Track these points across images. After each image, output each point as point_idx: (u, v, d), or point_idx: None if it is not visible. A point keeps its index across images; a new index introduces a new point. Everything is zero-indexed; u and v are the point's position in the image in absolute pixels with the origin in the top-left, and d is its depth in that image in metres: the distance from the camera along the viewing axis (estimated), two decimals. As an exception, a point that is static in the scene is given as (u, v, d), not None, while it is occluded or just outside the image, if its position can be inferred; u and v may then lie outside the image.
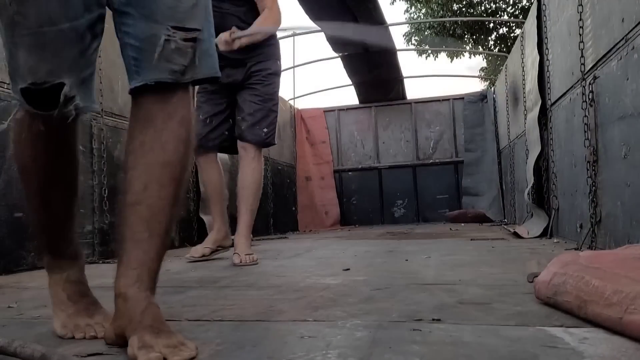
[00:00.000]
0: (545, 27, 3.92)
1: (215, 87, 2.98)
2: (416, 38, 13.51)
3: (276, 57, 3.03)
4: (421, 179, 8.16)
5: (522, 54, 4.86)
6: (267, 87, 2.92)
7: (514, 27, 13.05)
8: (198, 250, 2.91)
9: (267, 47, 2.97)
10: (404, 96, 8.39)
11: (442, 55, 13.92)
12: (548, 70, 3.85)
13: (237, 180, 2.93)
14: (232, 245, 2.99)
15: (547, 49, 3.90)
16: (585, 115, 2.78)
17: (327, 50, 7.53)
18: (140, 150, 1.06)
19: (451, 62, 16.19)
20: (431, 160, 8.17)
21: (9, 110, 2.62)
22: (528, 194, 4.38)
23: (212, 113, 2.99)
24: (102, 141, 3.32)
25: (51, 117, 1.05)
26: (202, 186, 3.09)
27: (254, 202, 2.84)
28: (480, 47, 13.62)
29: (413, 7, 13.97)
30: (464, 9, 13.26)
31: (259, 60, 2.92)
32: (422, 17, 13.70)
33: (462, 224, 6.77)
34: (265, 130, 2.88)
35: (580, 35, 2.85)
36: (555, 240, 3.53)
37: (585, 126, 2.79)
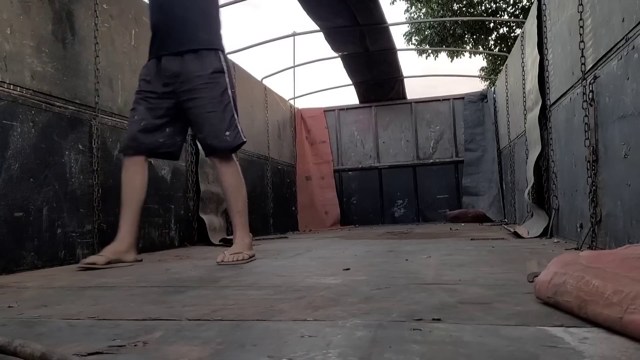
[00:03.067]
0: (546, 27, 3.92)
1: (154, 89, 2.82)
2: (416, 38, 13.50)
3: (216, 46, 2.82)
4: (421, 178, 8.16)
5: (523, 53, 4.86)
6: (213, 90, 2.75)
7: (514, 27, 13.05)
8: (92, 258, 2.62)
9: (205, 33, 2.80)
10: (404, 96, 8.40)
11: (442, 55, 13.92)
12: (548, 70, 3.85)
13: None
14: (134, 261, 2.83)
15: (547, 48, 3.90)
16: (586, 115, 2.78)
17: (327, 49, 7.52)
18: None
19: (451, 62, 16.19)
20: (431, 160, 8.18)
21: (9, 109, 2.63)
22: (528, 193, 4.39)
23: (149, 118, 2.83)
24: (101, 141, 3.32)
25: None
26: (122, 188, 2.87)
27: (236, 203, 2.84)
28: (480, 47, 13.61)
29: (413, 7, 13.96)
30: (464, 9, 13.26)
31: (198, 56, 2.75)
32: (422, 17, 13.69)
33: (462, 224, 6.77)
34: (227, 134, 2.78)
35: (580, 35, 2.85)
36: (555, 240, 3.52)
37: (586, 126, 2.79)
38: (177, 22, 2.77)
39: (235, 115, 2.84)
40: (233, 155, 2.90)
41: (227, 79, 2.82)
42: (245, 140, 2.89)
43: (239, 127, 2.85)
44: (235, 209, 2.85)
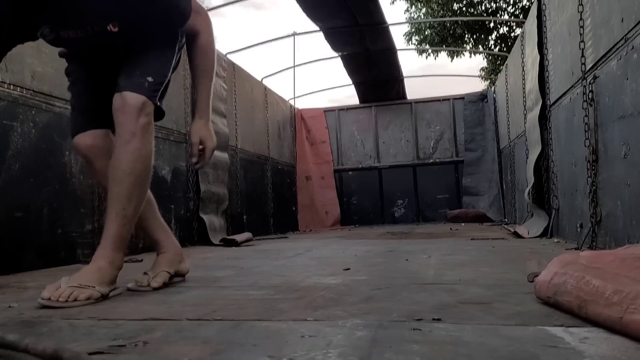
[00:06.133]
0: (545, 27, 3.92)
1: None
2: (416, 38, 13.50)
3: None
4: (421, 178, 8.17)
5: (523, 53, 4.86)
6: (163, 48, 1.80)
7: (514, 27, 13.04)
8: (157, 279, 1.86)
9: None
10: (404, 96, 8.40)
11: (442, 55, 13.91)
12: (548, 70, 3.85)
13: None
14: (187, 270, 2.08)
15: (547, 48, 3.90)
16: (586, 115, 2.78)
17: (327, 49, 7.51)
18: None
19: (451, 61, 16.20)
20: (431, 160, 8.18)
21: (9, 110, 2.63)
22: (528, 193, 4.39)
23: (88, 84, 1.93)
24: (102, 141, 3.32)
25: None
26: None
27: (128, 203, 1.69)
28: (480, 46, 13.60)
29: (413, 7, 13.95)
30: (464, 9, 13.25)
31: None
32: (422, 16, 13.69)
33: (463, 224, 6.78)
34: (150, 79, 1.72)
35: (581, 35, 2.85)
36: (555, 240, 3.53)
37: (586, 126, 2.79)
38: None
39: (167, 81, 1.80)
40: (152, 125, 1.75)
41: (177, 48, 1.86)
42: (162, 108, 1.79)
43: (162, 91, 1.79)
44: (122, 210, 1.68)
